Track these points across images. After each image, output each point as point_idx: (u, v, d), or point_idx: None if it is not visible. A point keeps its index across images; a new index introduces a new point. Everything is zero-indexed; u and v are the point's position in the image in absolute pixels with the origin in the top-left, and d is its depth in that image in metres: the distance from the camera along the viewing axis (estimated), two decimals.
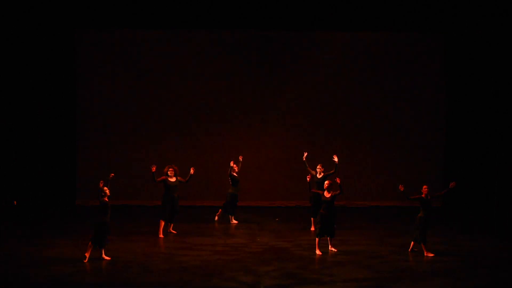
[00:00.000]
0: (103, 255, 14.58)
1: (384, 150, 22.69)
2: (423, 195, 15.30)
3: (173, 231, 17.51)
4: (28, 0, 20.98)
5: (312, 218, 17.86)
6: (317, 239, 15.43)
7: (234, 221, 19.16)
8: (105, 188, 14.90)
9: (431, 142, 22.69)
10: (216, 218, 19.38)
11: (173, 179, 17.28)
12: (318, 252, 15.27)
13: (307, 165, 18.17)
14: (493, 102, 21.49)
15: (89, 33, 22.32)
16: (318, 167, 17.78)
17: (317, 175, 17.77)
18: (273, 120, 22.65)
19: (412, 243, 15.50)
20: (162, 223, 17.24)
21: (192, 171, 17.44)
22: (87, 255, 14.39)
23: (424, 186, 15.49)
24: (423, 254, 15.18)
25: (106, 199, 14.85)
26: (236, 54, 22.54)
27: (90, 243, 14.55)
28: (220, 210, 19.36)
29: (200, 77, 22.55)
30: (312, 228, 17.88)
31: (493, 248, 16.10)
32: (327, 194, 15.49)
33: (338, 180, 15.53)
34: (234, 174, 19.08)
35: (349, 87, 22.66)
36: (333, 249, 15.50)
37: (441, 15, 21.73)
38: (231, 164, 19.06)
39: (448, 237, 17.23)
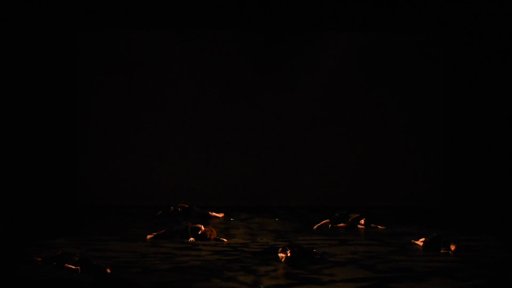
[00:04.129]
0: None
1: (383, 150, 22.68)
2: None
3: None
4: (30, 1, 21.00)
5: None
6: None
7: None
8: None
9: (431, 142, 22.67)
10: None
11: None
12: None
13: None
14: (492, 101, 21.49)
15: (91, 34, 22.32)
16: None
17: None
18: (272, 120, 22.61)
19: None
20: None
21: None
22: None
23: None
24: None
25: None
26: (237, 54, 22.54)
27: None
28: None
29: (203, 77, 22.53)
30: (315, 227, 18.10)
31: (493, 248, 16.09)
32: None
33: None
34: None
35: (346, 87, 22.64)
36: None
37: (441, 16, 21.74)
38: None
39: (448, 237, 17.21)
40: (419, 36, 22.52)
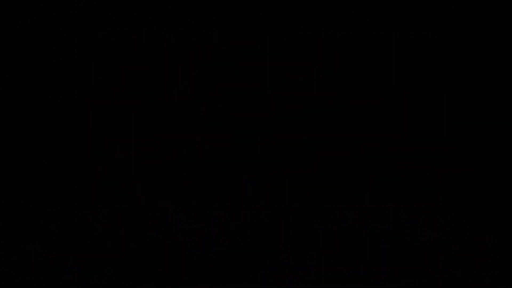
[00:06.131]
0: None
1: (383, 150, 22.75)
2: None
3: None
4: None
5: None
6: None
7: None
8: None
9: (430, 142, 22.75)
10: None
11: None
12: None
13: None
14: (492, 99, 21.57)
15: None
16: None
17: None
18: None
19: None
20: None
21: None
22: None
23: None
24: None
25: None
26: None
27: None
28: None
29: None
30: None
31: (493, 248, 16.12)
32: None
33: None
34: None
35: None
36: None
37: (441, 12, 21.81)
38: None
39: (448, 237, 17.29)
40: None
